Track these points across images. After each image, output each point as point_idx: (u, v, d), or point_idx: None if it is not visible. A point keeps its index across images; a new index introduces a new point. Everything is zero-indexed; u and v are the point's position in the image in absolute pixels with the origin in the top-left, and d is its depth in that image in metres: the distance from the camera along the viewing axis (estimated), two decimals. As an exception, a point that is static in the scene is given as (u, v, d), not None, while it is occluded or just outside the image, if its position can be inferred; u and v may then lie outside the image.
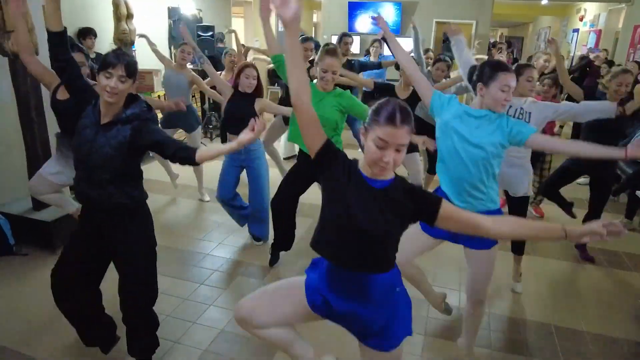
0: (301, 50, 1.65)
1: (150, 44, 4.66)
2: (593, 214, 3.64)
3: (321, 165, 1.63)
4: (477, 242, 2.21)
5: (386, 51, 6.42)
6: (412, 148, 3.61)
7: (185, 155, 1.99)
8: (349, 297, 1.66)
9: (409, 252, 2.39)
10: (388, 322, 1.67)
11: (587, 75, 7.87)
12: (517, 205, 3.17)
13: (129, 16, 5.50)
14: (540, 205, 4.83)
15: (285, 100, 4.92)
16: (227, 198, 3.76)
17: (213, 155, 2.02)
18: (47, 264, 2.51)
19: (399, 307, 1.70)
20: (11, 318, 2.82)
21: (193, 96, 6.65)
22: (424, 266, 2.81)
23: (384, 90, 3.87)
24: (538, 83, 4.18)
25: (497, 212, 2.27)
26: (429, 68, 4.92)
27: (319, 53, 3.01)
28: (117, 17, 5.40)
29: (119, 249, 2.15)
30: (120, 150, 1.96)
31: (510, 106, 3.01)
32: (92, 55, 5.43)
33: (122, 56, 1.95)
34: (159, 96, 6.18)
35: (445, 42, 7.42)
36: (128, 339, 2.36)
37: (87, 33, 5.32)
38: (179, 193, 5.05)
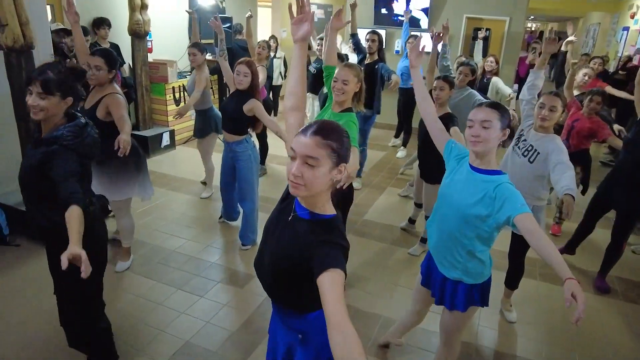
0: (304, 65, 1.67)
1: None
2: (614, 245, 3.51)
3: None
4: (443, 300, 2.12)
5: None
6: (435, 179, 3.39)
7: (62, 205, 1.79)
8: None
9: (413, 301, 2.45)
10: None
11: (631, 79, 7.31)
12: (516, 241, 2.99)
13: (144, 6, 5.46)
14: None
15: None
16: (223, 186, 3.83)
17: (73, 230, 1.73)
18: (38, 255, 2.49)
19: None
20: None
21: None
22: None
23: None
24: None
25: (465, 291, 2.03)
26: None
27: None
28: (132, 7, 5.36)
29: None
30: (33, 172, 1.89)
31: (522, 136, 2.79)
32: (107, 45, 5.45)
33: (42, 72, 1.85)
34: (173, 87, 6.17)
35: (474, 40, 7.02)
36: None
37: (101, 23, 5.33)
38: (180, 188, 5.01)
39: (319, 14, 10.90)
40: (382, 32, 7.62)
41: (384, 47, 4.92)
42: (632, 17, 8.79)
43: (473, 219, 1.85)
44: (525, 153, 2.74)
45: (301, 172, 1.28)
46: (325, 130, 1.32)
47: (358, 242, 4.06)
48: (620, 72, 7.74)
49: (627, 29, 8.99)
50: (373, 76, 4.69)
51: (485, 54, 6.88)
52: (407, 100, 6.13)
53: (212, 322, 2.89)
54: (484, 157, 1.87)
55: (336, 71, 2.76)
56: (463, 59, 5.69)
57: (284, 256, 1.41)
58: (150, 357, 2.59)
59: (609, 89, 5.43)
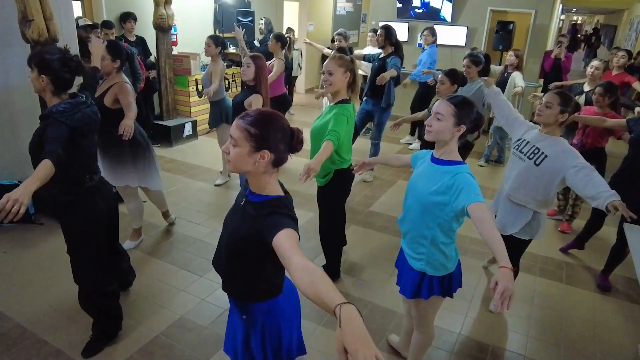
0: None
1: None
2: (618, 244, 3.44)
3: None
4: (403, 288, 2.20)
5: (440, 40, 6.16)
6: None
7: (43, 158, 1.98)
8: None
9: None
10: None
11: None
12: (507, 246, 2.94)
13: (168, 1, 5.70)
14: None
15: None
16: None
17: (32, 175, 1.89)
18: (58, 233, 2.73)
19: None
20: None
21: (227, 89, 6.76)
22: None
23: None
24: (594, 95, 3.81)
25: (427, 281, 2.09)
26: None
27: None
28: (156, 2, 5.61)
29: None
30: (36, 143, 2.11)
31: (524, 140, 2.73)
32: (132, 39, 5.74)
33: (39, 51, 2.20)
34: (196, 79, 6.41)
35: (498, 33, 6.90)
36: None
37: (127, 17, 5.61)
38: (197, 175, 5.23)
39: (347, 7, 10.94)
40: (405, 25, 7.64)
41: (394, 39, 4.88)
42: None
43: (433, 207, 1.92)
44: (531, 155, 2.62)
45: (228, 149, 1.47)
46: (249, 117, 1.46)
47: (360, 232, 4.16)
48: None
49: (667, 21, 8.57)
50: (384, 70, 4.74)
51: (508, 48, 6.78)
52: (424, 93, 6.13)
53: (207, 300, 3.08)
54: (442, 148, 1.95)
55: (325, 62, 2.88)
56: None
57: (238, 238, 1.54)
58: (146, 328, 2.80)
59: (636, 85, 5.23)
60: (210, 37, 4.72)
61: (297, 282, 1.19)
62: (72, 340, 2.64)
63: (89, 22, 5.22)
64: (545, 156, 2.57)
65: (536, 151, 2.62)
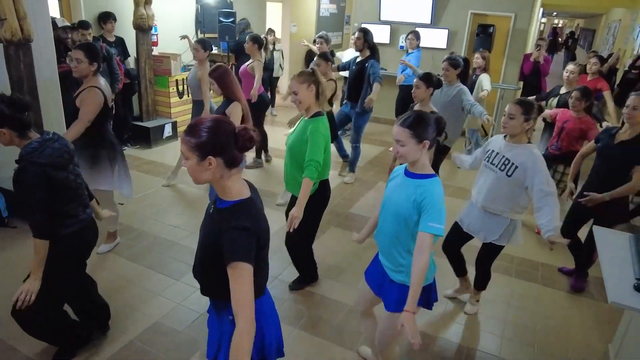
0: None
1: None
2: (589, 248, 3.44)
3: None
4: (388, 303, 2.15)
5: (421, 43, 6.18)
6: None
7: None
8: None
9: (360, 301, 2.45)
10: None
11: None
12: (483, 251, 3.00)
13: (147, 1, 5.64)
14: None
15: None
16: None
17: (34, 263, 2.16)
18: (30, 237, 2.68)
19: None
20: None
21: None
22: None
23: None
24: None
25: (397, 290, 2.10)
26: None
27: None
28: (136, 2, 5.56)
29: None
30: (14, 180, 2.16)
31: (493, 151, 2.74)
32: (112, 39, 5.67)
33: None
34: (177, 80, 6.35)
35: (478, 36, 6.97)
36: None
37: (107, 17, 5.54)
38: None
39: (331, 8, 10.96)
40: (387, 28, 7.68)
41: (372, 42, 4.91)
42: (648, 14, 8.55)
43: (406, 220, 1.95)
44: (502, 167, 2.65)
45: (185, 164, 1.52)
46: (188, 128, 1.50)
47: (339, 235, 4.16)
48: (633, 71, 7.58)
49: (643, 26, 8.76)
50: (362, 75, 4.75)
51: (489, 51, 6.85)
52: (404, 97, 6.16)
53: (183, 304, 3.05)
54: (414, 165, 1.98)
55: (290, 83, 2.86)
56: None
57: (208, 245, 1.57)
58: (120, 332, 2.76)
59: (607, 95, 5.31)
60: (199, 41, 4.76)
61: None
62: (44, 347, 2.58)
63: (68, 24, 5.14)
64: (516, 167, 2.61)
65: (507, 162, 2.65)
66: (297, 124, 3.01)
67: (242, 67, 5.26)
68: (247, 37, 5.26)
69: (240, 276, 1.43)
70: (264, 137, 5.61)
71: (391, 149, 2.05)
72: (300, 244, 3.20)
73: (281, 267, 3.50)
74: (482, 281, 3.11)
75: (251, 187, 1.64)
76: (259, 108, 5.42)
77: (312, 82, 2.79)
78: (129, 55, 6.02)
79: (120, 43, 5.79)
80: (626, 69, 8.01)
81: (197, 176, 1.51)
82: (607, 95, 5.32)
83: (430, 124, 1.92)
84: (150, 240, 3.82)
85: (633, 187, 3.03)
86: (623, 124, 3.15)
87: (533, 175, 2.53)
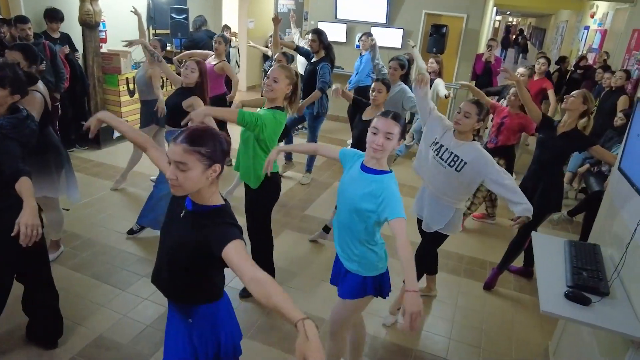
0: None
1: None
2: (518, 238, 3.57)
3: None
4: (340, 290, 2.25)
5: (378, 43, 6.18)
6: None
7: (8, 181, 2.00)
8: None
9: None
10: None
11: (587, 78, 7.48)
12: (427, 239, 3.07)
13: (94, -3, 5.42)
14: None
15: None
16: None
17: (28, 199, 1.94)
18: None
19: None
20: None
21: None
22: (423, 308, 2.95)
23: (356, 105, 3.91)
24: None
25: (359, 281, 2.16)
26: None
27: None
28: (81, -3, 5.33)
29: None
30: None
31: (442, 145, 2.82)
32: (56, 36, 5.41)
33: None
34: (127, 78, 6.14)
35: (432, 36, 7.09)
36: None
37: (54, 18, 5.25)
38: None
39: (289, 4, 10.88)
40: (343, 27, 7.69)
41: (326, 43, 4.91)
42: (592, 16, 8.95)
43: (361, 212, 2.02)
44: (452, 163, 2.75)
45: (175, 175, 1.46)
46: (192, 137, 1.47)
47: (293, 238, 4.15)
48: (577, 71, 7.93)
49: (587, 28, 9.16)
50: (315, 76, 4.74)
51: (442, 51, 6.98)
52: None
53: (129, 316, 2.96)
54: (379, 160, 2.04)
55: (271, 69, 2.88)
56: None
57: (182, 248, 1.57)
58: (61, 349, 2.65)
59: (551, 94, 5.57)
60: (158, 39, 4.67)
61: (253, 293, 1.30)
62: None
63: (3, 17, 4.86)
64: (465, 163, 2.71)
65: (455, 159, 2.75)
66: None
67: (208, 65, 5.14)
68: (216, 37, 5.17)
69: (242, 248, 1.44)
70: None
71: None
72: (261, 236, 3.24)
73: (232, 274, 3.44)
74: (431, 266, 3.27)
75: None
76: (221, 106, 5.34)
77: (293, 83, 2.87)
78: (77, 51, 5.75)
79: (65, 39, 5.53)
80: (571, 69, 8.39)
81: (194, 186, 1.49)
82: (551, 93, 5.61)
83: (403, 122, 2.05)
84: (96, 249, 3.69)
85: (612, 158, 3.16)
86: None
87: (485, 171, 2.66)
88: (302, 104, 4.66)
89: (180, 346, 1.75)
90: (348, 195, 2.08)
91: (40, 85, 3.05)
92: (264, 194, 3.07)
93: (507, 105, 4.22)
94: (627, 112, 4.76)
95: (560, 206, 3.50)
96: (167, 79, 6.57)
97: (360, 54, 6.16)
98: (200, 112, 2.63)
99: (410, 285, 1.67)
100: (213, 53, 5.14)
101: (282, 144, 5.18)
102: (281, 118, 2.89)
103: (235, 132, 3.73)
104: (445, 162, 2.78)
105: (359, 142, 3.70)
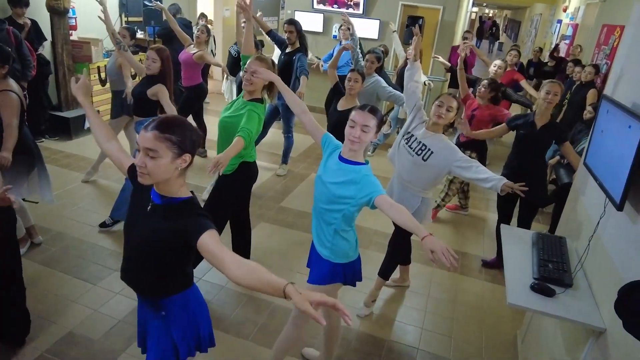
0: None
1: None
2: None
3: None
4: (310, 275, 2.31)
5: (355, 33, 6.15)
6: None
7: None
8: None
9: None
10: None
11: (560, 70, 7.63)
12: (399, 229, 3.07)
13: (62, -18, 5.24)
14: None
15: None
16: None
17: None
18: None
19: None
20: None
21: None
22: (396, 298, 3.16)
23: (336, 90, 3.93)
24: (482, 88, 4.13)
25: (330, 268, 2.20)
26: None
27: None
28: (49, -17, 5.14)
29: None
30: None
31: (412, 135, 2.90)
32: (22, 22, 5.22)
33: None
34: (98, 67, 5.99)
35: (408, 27, 7.11)
36: None
37: (18, 2, 5.06)
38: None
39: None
40: (320, 16, 7.64)
41: (301, 33, 4.89)
42: (565, 10, 9.11)
43: (338, 199, 2.06)
44: (419, 152, 2.82)
45: (144, 162, 1.44)
46: (164, 125, 1.46)
47: (268, 231, 4.14)
48: (549, 64, 8.07)
49: (560, 21, 9.32)
50: (290, 66, 4.71)
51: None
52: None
53: (100, 311, 2.92)
54: (357, 152, 2.08)
55: (247, 62, 2.85)
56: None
57: (154, 240, 1.55)
58: (29, 346, 2.60)
59: (524, 84, 5.69)
60: (126, 28, 4.54)
61: (237, 277, 1.33)
62: None
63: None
64: (432, 152, 2.79)
65: (423, 148, 2.83)
66: (232, 102, 3.03)
67: (186, 54, 5.05)
68: (200, 26, 5.16)
69: (217, 238, 1.45)
70: (204, 130, 5.40)
71: None
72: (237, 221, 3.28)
73: (207, 267, 3.42)
74: (405, 257, 3.33)
75: None
76: (198, 97, 5.30)
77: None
78: (46, 39, 5.57)
79: (32, 26, 5.34)
80: (546, 60, 8.53)
81: (163, 175, 1.48)
82: (524, 83, 5.75)
83: (381, 119, 2.10)
84: (67, 242, 3.61)
85: (576, 161, 3.20)
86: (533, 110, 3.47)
87: (453, 154, 2.74)
88: (299, 92, 4.56)
89: (159, 340, 1.73)
90: (325, 184, 2.12)
91: (13, 83, 2.92)
92: (236, 179, 3.01)
93: (477, 97, 4.27)
94: (595, 106, 4.87)
95: (547, 200, 3.61)
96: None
97: (339, 42, 6.14)
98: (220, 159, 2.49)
99: (422, 233, 1.71)
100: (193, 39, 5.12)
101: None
102: (262, 111, 2.91)
103: (212, 123, 3.70)
104: (414, 150, 2.86)
105: (333, 132, 3.70)
